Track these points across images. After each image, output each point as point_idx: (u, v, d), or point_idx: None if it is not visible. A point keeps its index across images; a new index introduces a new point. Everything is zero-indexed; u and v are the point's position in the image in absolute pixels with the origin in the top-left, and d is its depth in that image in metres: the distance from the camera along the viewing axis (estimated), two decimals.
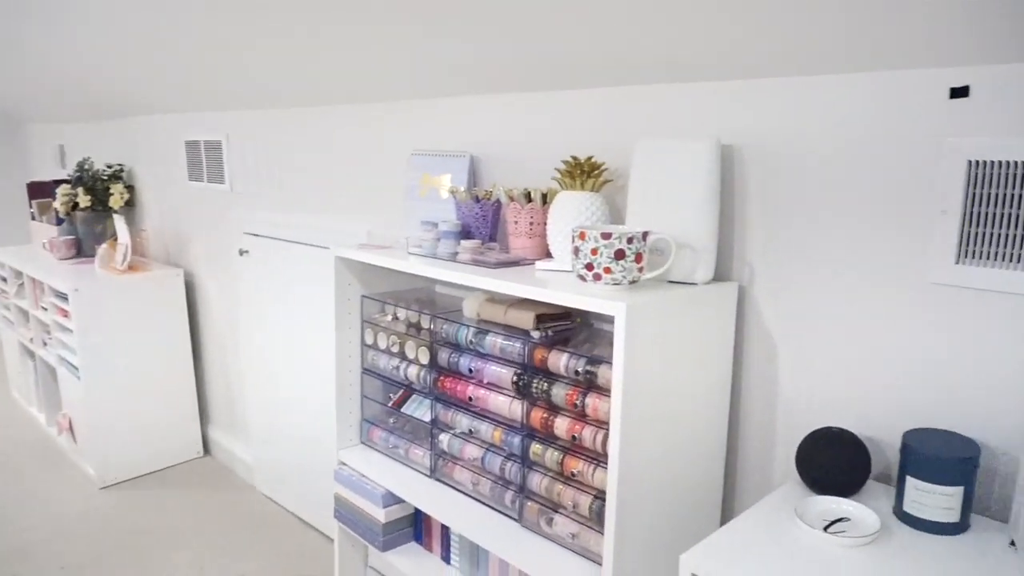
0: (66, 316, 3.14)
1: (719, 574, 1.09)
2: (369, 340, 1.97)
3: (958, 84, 1.18)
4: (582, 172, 1.56)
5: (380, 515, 1.87)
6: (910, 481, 1.18)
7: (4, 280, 3.97)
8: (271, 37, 2.09)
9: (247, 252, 2.90)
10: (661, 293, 1.35)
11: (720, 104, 1.49)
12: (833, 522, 1.20)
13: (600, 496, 1.44)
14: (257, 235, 2.83)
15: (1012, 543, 1.13)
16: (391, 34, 1.80)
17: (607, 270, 1.33)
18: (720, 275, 1.53)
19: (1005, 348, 1.20)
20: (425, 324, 1.82)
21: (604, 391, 1.42)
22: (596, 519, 1.45)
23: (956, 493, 1.15)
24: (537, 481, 1.57)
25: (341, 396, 1.99)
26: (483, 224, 1.79)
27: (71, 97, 3.79)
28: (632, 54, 1.50)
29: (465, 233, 1.80)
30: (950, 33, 1.12)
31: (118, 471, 3.25)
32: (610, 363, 1.33)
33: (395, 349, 1.89)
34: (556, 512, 1.54)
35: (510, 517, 1.64)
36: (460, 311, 1.78)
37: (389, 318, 1.94)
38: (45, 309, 3.40)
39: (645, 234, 1.34)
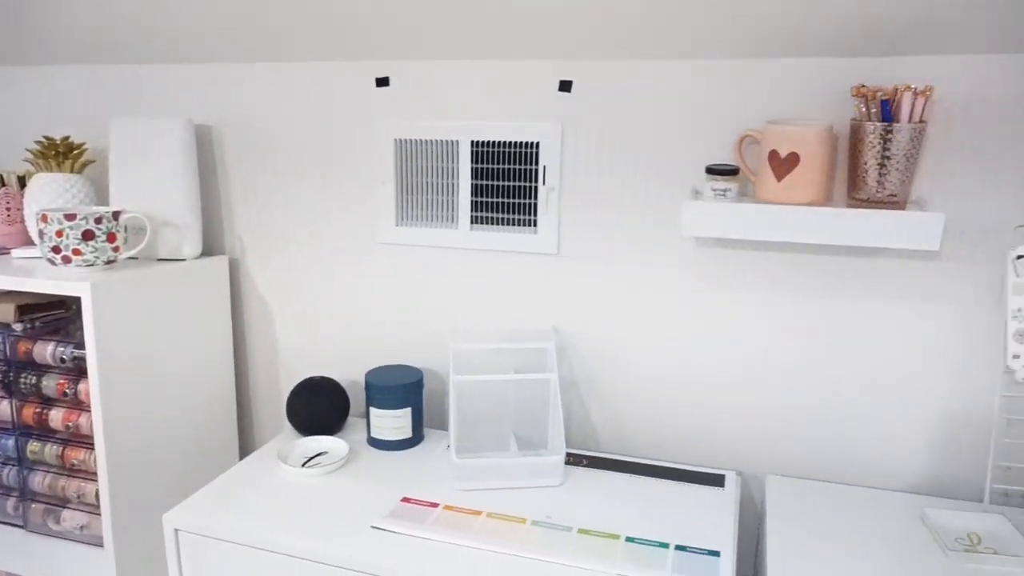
0: None
1: (201, 526, 1.17)
2: None
3: (381, 75, 1.41)
4: (58, 153, 1.50)
5: None
6: (373, 411, 1.40)
7: None
8: None
9: None
10: (140, 271, 1.37)
11: (193, 85, 1.54)
12: (312, 458, 1.37)
13: None
14: None
15: (448, 446, 1.41)
16: None
17: (76, 252, 1.31)
18: (213, 249, 1.60)
19: (428, 290, 1.48)
20: None
21: None
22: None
23: (405, 414, 1.39)
24: (39, 480, 1.48)
25: None
26: None
27: None
28: (108, 33, 1.48)
29: None
30: (378, 32, 1.33)
31: None
32: None
33: None
34: (64, 508, 1.48)
35: (15, 526, 1.53)
36: None
37: None
38: None
39: (116, 213, 1.35)
